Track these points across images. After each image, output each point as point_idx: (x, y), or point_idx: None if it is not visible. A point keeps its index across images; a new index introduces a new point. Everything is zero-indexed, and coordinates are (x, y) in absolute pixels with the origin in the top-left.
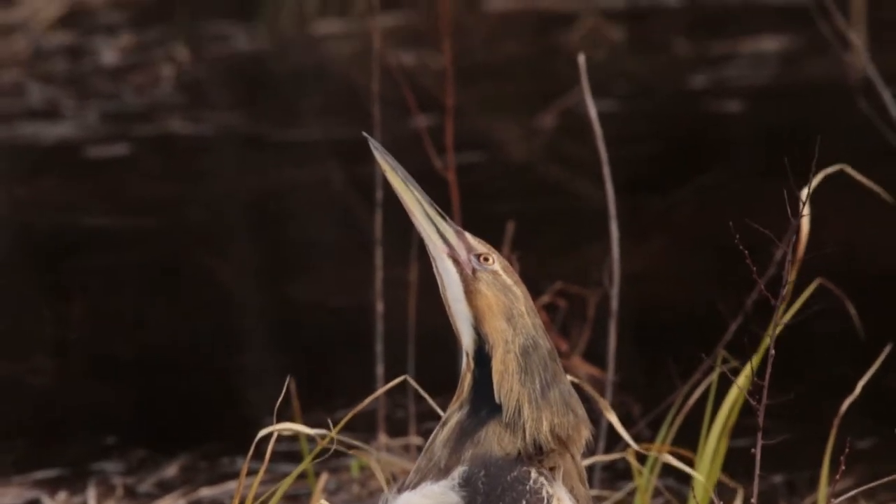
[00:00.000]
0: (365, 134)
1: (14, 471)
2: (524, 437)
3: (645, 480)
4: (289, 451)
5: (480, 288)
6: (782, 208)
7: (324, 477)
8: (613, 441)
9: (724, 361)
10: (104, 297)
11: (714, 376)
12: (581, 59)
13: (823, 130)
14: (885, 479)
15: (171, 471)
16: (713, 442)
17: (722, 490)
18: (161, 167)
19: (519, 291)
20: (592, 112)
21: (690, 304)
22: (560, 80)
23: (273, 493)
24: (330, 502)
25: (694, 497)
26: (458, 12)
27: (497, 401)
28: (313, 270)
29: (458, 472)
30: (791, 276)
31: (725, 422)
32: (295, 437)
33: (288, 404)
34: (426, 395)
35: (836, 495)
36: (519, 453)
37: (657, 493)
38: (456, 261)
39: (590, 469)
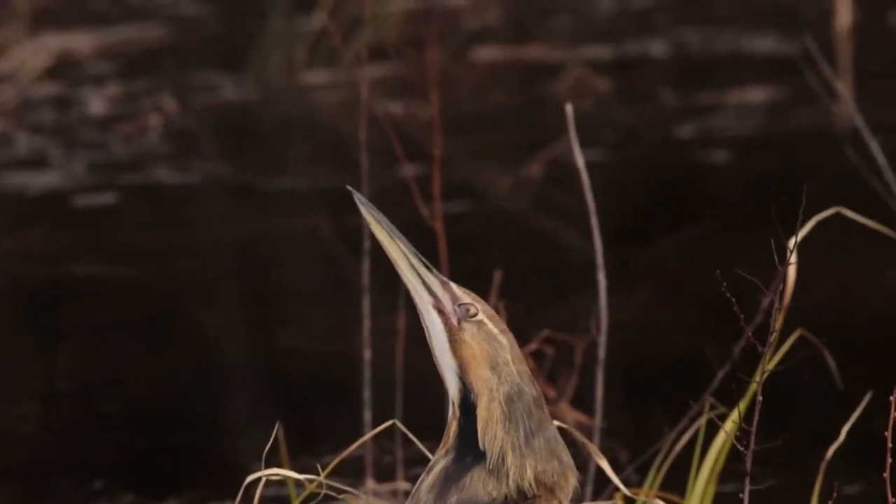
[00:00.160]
0: (349, 188)
1: None
2: (507, 483)
3: None
4: (277, 497)
5: (465, 338)
6: (770, 258)
7: None
8: (601, 486)
9: (712, 408)
10: (92, 346)
11: (702, 422)
12: (568, 108)
13: (811, 180)
14: None
15: None
16: (701, 487)
17: None
18: (149, 216)
19: (504, 340)
20: (580, 161)
21: (677, 353)
22: (547, 129)
23: None
24: None
25: None
26: (445, 62)
27: (481, 448)
28: (301, 318)
29: None
30: (778, 323)
31: (713, 467)
32: (283, 483)
33: (276, 450)
34: (415, 439)
35: None
36: (505, 498)
37: None
38: (441, 312)
39: None
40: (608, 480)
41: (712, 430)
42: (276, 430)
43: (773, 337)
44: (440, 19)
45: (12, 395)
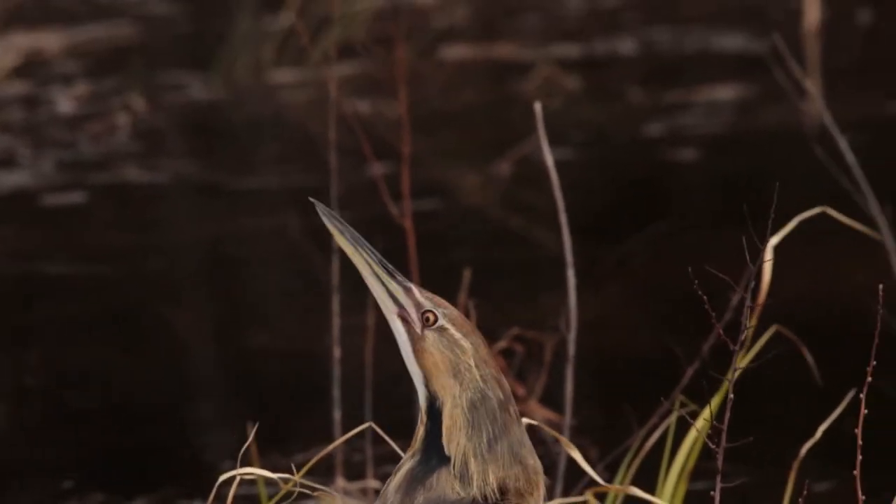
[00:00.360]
0: (312, 199)
1: None
2: (472, 488)
3: None
4: (247, 495)
5: (426, 347)
6: (739, 255)
7: None
8: (571, 483)
9: (682, 405)
10: (61, 345)
11: (672, 419)
12: (537, 107)
13: (779, 178)
14: None
15: None
16: (671, 485)
17: None
18: (117, 215)
19: (467, 344)
20: (549, 160)
21: (647, 350)
22: (516, 128)
23: None
24: None
25: None
26: (413, 61)
27: (447, 454)
28: (271, 317)
29: None
30: (751, 320)
31: (684, 465)
32: (253, 482)
33: (246, 449)
34: (389, 440)
35: None
36: (473, 500)
37: None
38: (405, 320)
39: None
40: (579, 477)
41: (683, 428)
42: (252, 429)
43: (746, 334)
44: (408, 17)
45: None
